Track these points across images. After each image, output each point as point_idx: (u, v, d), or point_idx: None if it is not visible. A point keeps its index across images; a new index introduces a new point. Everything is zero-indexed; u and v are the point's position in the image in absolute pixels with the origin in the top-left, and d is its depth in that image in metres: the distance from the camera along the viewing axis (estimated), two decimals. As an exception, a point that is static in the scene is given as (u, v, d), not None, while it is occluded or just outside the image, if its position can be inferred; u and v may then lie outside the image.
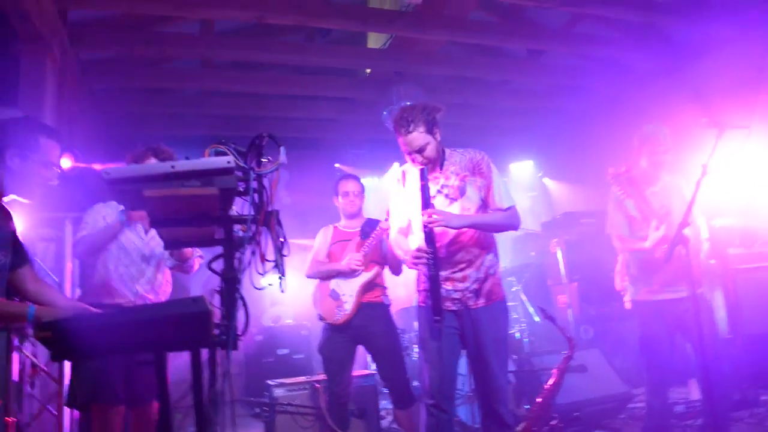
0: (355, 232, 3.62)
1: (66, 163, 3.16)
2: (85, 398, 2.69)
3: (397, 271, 3.61)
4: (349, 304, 3.43)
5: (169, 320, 1.45)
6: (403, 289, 4.74)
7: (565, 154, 7.38)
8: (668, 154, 3.32)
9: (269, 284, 1.84)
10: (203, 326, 1.50)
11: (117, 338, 1.50)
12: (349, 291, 3.46)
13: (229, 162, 1.67)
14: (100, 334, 1.47)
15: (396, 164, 6.43)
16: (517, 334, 5.13)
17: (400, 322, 3.82)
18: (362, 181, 3.79)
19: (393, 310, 3.68)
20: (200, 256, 3.00)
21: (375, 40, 5.91)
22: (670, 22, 5.31)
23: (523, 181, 8.21)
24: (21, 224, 2.51)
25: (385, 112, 5.75)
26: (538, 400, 2.49)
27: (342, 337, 3.44)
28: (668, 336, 3.28)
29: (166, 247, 2.26)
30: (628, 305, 3.52)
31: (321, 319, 3.55)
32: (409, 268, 2.66)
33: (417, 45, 5.58)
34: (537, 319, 5.57)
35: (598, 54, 6.02)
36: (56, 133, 2.31)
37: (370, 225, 3.63)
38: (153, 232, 2.87)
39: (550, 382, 2.49)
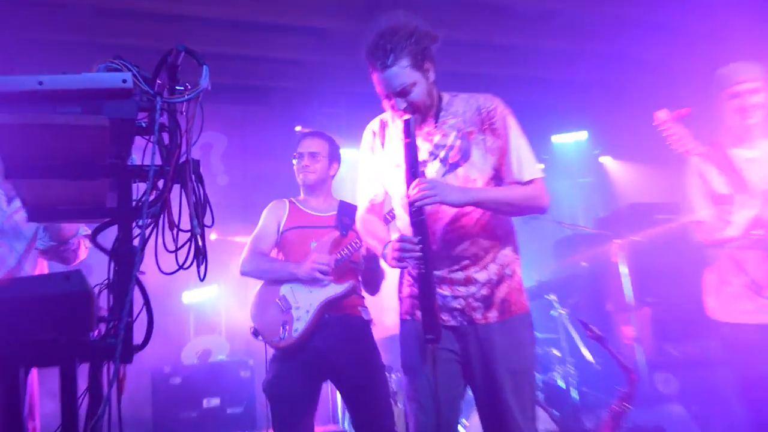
0: (328, 219, 3.61)
1: None
2: None
3: (373, 287, 3.61)
4: (301, 323, 3.39)
5: (27, 305, 1.42)
6: (391, 315, 4.73)
7: (634, 122, 7.41)
8: (760, 100, 3.33)
9: (182, 267, 1.83)
10: (80, 317, 1.48)
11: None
12: (305, 304, 3.43)
13: (125, 81, 1.66)
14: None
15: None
16: (561, 382, 5.14)
17: (385, 356, 3.80)
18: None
19: (376, 337, 3.66)
20: (87, 236, 2.96)
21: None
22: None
23: (572, 160, 8.24)
24: None
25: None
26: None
27: (296, 366, 3.41)
28: None
29: (32, 219, 2.22)
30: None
31: (255, 334, 3.49)
32: (390, 266, 2.63)
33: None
34: (591, 358, 5.58)
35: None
36: None
37: (348, 213, 3.56)
38: (17, 202, 2.82)
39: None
